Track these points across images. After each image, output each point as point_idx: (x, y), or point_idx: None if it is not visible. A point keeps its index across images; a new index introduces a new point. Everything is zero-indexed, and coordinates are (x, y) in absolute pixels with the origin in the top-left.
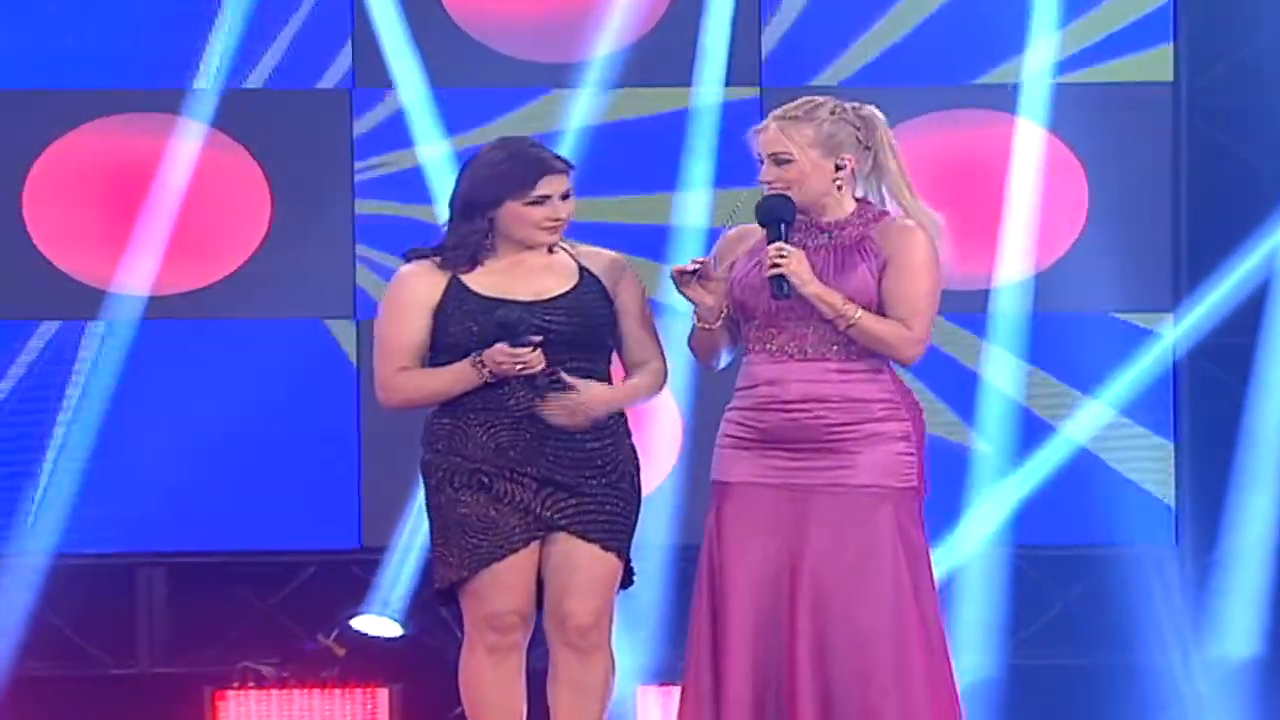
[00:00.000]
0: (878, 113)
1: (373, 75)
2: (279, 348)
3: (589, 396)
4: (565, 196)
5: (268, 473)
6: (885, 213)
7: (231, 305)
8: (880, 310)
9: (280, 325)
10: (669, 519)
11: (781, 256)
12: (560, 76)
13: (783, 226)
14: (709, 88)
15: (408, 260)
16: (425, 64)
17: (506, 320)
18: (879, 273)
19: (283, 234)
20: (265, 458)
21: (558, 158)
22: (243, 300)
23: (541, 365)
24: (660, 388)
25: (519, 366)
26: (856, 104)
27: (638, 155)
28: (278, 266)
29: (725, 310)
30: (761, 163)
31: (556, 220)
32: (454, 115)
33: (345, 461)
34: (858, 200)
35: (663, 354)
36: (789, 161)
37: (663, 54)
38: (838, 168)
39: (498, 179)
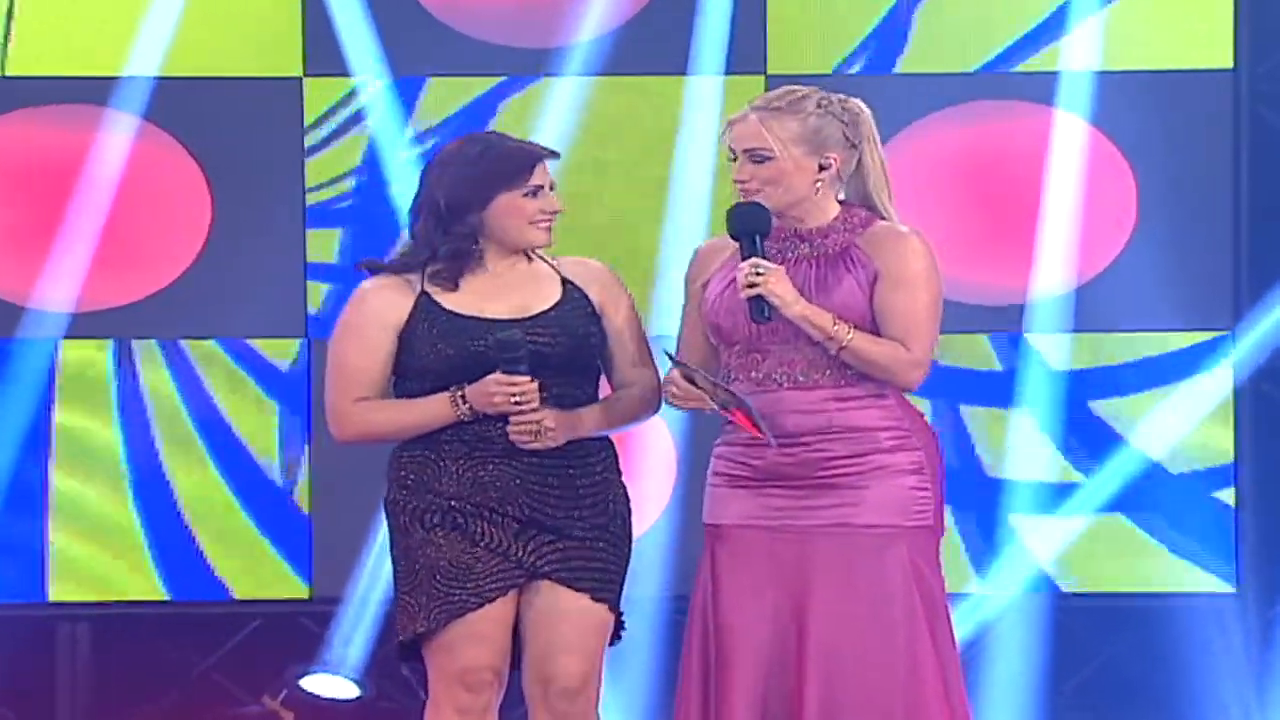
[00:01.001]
0: (864, 107)
1: (326, 62)
2: (219, 371)
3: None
4: (552, 188)
5: (206, 514)
6: (874, 217)
7: (166, 323)
8: (872, 329)
9: (221, 345)
10: (662, 566)
11: (758, 274)
12: (538, 63)
13: (757, 239)
14: (707, 77)
15: (361, 271)
16: (385, 49)
17: (509, 341)
18: (869, 286)
19: (224, 242)
20: (203, 496)
21: (540, 145)
22: (178, 317)
23: (537, 402)
24: (649, 411)
25: (514, 399)
26: (843, 96)
27: (627, 151)
28: (218, 279)
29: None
30: (734, 159)
31: (552, 213)
32: (418, 106)
33: (294, 503)
34: (841, 203)
35: (655, 374)
36: (768, 159)
37: (656, 39)
38: (821, 167)
39: (487, 172)
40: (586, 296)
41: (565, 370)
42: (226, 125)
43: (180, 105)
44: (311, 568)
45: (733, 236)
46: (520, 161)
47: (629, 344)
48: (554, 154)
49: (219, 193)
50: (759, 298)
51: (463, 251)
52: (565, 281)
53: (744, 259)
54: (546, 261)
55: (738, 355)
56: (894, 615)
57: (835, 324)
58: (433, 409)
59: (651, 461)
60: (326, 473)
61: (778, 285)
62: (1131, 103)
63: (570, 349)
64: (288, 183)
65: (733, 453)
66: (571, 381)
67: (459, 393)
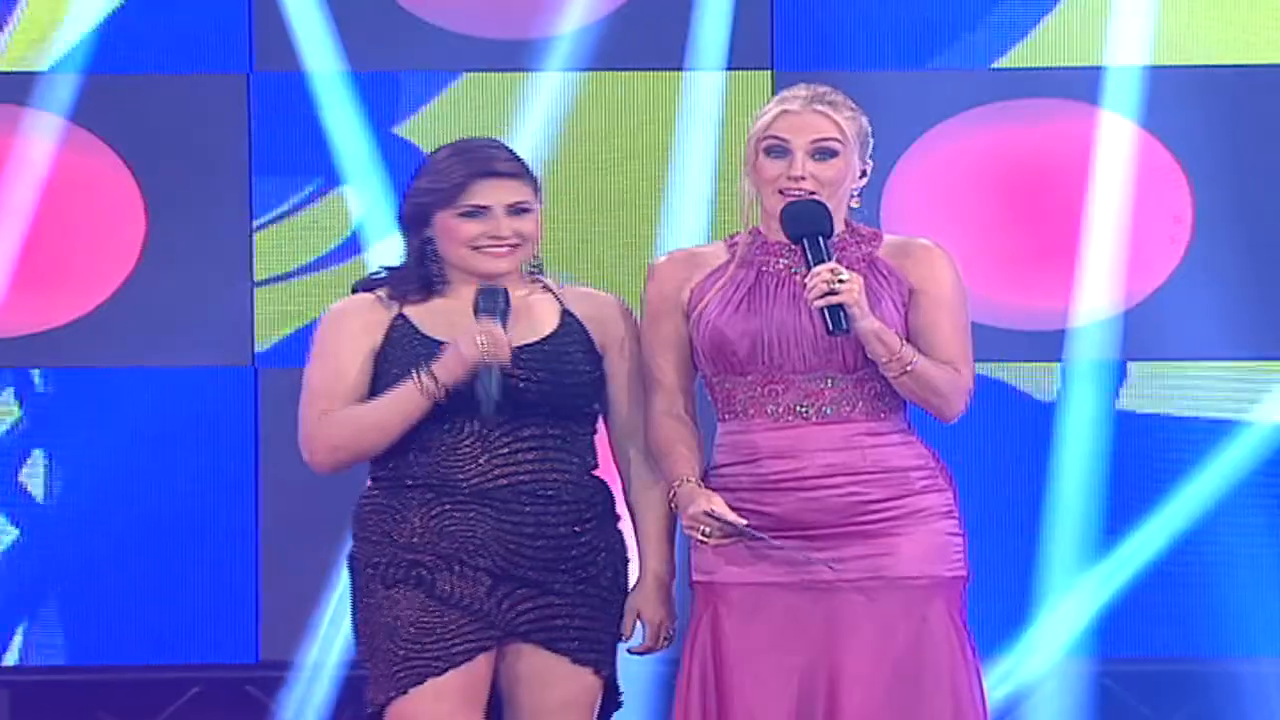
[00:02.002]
0: None
1: (276, 56)
2: (156, 404)
3: (643, 599)
4: (519, 210)
5: (141, 568)
6: (877, 233)
7: (94, 349)
8: None
9: (157, 375)
10: None
11: (841, 281)
12: (517, 56)
13: (822, 241)
14: (707, 72)
15: (355, 293)
16: (342, 41)
17: (490, 290)
18: (905, 304)
19: (160, 258)
20: (137, 549)
21: (508, 159)
22: (109, 343)
23: (507, 356)
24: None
25: (479, 341)
26: None
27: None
28: (153, 300)
29: None
30: (778, 155)
31: (497, 239)
32: (378, 105)
33: (240, 555)
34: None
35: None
36: (836, 155)
37: (649, 29)
38: (862, 174)
39: (428, 186)
40: (587, 332)
41: (550, 412)
42: (163, 127)
43: (111, 105)
44: (258, 629)
45: (793, 240)
46: (456, 176)
47: (634, 389)
48: (517, 170)
49: (154, 203)
50: (839, 307)
51: (412, 271)
52: (566, 313)
53: (815, 263)
54: (551, 290)
55: (751, 387)
56: (938, 677)
57: (903, 343)
58: (398, 397)
59: None
60: (275, 525)
61: (860, 294)
62: (1185, 102)
63: (553, 388)
64: (232, 192)
65: (735, 500)
66: (559, 424)
67: (427, 369)
